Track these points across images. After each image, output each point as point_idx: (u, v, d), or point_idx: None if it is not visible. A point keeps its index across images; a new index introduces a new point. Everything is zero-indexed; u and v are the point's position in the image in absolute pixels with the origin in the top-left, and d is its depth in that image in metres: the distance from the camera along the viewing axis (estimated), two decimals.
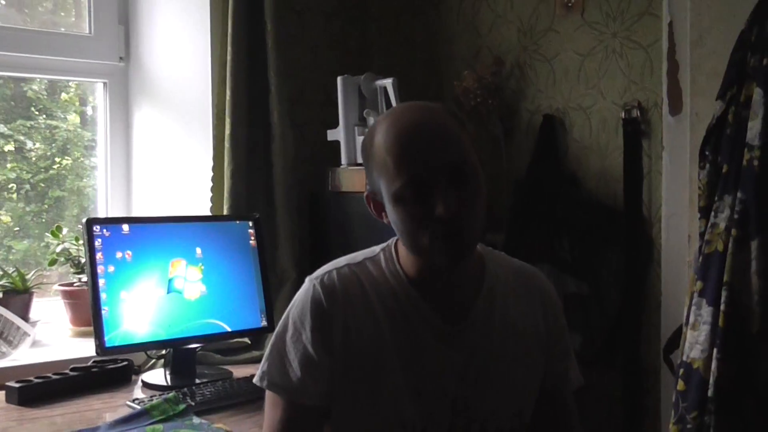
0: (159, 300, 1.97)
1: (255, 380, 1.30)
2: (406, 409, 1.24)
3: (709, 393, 1.70)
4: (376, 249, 1.33)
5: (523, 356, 1.31)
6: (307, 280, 1.30)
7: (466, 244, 1.19)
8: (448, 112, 1.23)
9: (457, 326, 1.26)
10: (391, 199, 1.18)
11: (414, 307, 1.25)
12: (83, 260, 2.24)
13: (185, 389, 1.84)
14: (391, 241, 1.32)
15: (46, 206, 2.61)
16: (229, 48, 2.28)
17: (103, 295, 1.87)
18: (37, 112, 2.61)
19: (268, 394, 1.29)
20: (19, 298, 2.23)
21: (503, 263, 1.37)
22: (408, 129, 1.18)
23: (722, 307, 1.70)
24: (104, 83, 2.60)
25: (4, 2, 2.49)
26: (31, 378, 1.86)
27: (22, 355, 2.07)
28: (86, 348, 2.05)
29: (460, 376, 1.26)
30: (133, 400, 1.80)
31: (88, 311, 1.90)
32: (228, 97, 2.28)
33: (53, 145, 2.63)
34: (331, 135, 2.41)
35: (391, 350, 1.24)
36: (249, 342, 2.28)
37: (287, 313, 1.29)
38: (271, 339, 1.31)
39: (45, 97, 2.64)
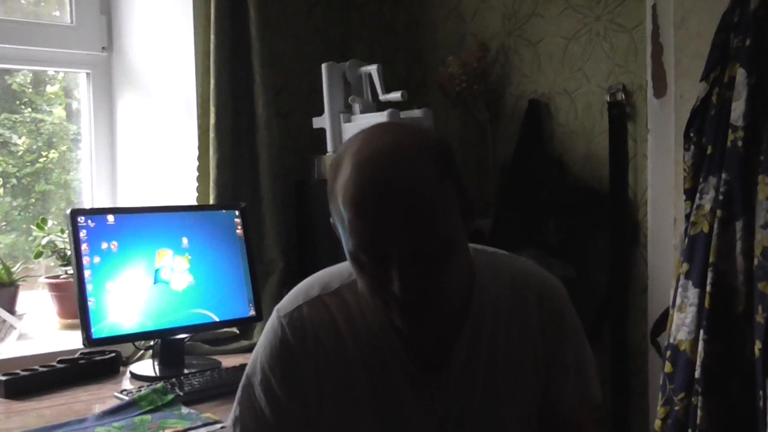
0: (146, 290, 1.96)
1: (227, 424, 1.21)
2: None
3: (696, 374, 1.71)
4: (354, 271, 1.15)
5: (515, 388, 1.18)
6: (275, 314, 1.17)
7: (427, 320, 1.06)
8: (431, 153, 1.02)
9: (437, 372, 1.14)
10: (348, 254, 1.05)
11: (391, 352, 1.13)
12: (69, 252, 2.23)
13: (173, 379, 1.84)
14: None
15: (33, 200, 2.59)
16: (212, 37, 2.26)
17: (89, 287, 1.86)
18: (22, 106, 2.59)
19: None
20: (4, 291, 2.22)
21: (500, 271, 1.20)
22: (370, 184, 0.98)
23: (708, 288, 1.71)
24: (87, 73, 2.58)
25: None
26: (18, 371, 1.85)
27: (8, 349, 2.06)
28: (73, 340, 2.05)
29: (439, 424, 1.15)
30: (121, 391, 1.80)
31: (75, 303, 1.89)
32: (212, 87, 2.26)
33: (39, 138, 2.61)
34: (317, 123, 2.40)
35: (366, 399, 1.14)
36: (237, 332, 2.28)
37: (256, 355, 1.18)
38: (242, 380, 1.20)
39: (30, 90, 2.62)
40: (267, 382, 1.15)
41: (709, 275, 1.71)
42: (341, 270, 1.19)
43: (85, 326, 1.85)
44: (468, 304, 1.16)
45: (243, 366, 1.97)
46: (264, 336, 1.18)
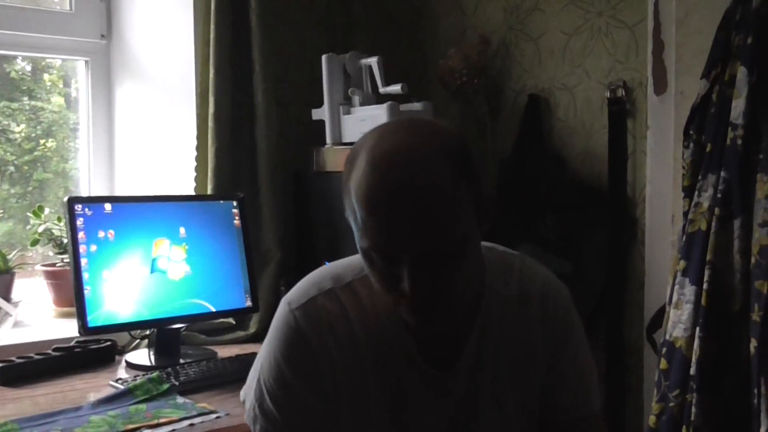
0: (142, 280, 1.96)
1: (245, 420, 1.17)
2: None
3: (691, 371, 1.71)
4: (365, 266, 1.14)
5: (520, 388, 1.19)
6: (285, 306, 1.15)
7: (438, 322, 1.05)
8: (447, 153, 1.00)
9: (447, 370, 1.14)
10: (360, 250, 1.04)
11: (402, 346, 1.13)
12: (66, 240, 2.23)
13: (169, 369, 1.84)
14: None
15: (31, 188, 2.59)
16: (212, 26, 2.25)
17: (85, 275, 1.86)
18: (20, 94, 2.58)
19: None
20: (0, 278, 2.22)
21: (509, 271, 1.20)
22: (384, 183, 0.97)
23: (705, 286, 1.71)
24: (86, 61, 2.57)
25: None
26: (13, 358, 1.85)
27: (3, 336, 2.06)
28: (69, 328, 2.04)
29: (450, 421, 1.16)
30: (117, 380, 1.79)
31: (71, 291, 1.89)
32: (212, 76, 2.25)
33: (38, 127, 2.60)
34: (316, 114, 2.39)
35: (378, 395, 1.13)
36: (233, 322, 2.28)
37: (268, 346, 1.15)
38: (254, 373, 1.17)
39: (29, 78, 2.61)
40: (282, 376, 1.12)
41: (706, 273, 1.71)
42: (353, 263, 1.17)
43: (81, 315, 1.85)
44: (478, 303, 1.16)
45: (239, 357, 1.98)
46: (276, 329, 1.15)
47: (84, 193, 2.59)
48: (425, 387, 1.14)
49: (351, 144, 1.88)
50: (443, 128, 1.06)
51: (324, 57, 2.33)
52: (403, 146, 0.99)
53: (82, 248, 1.87)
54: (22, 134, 2.58)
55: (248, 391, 1.18)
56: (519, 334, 1.18)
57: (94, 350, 1.97)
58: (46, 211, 2.41)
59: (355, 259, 1.14)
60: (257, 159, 2.34)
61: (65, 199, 1.89)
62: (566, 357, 1.20)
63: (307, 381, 1.11)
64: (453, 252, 0.99)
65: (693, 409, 1.70)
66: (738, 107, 1.68)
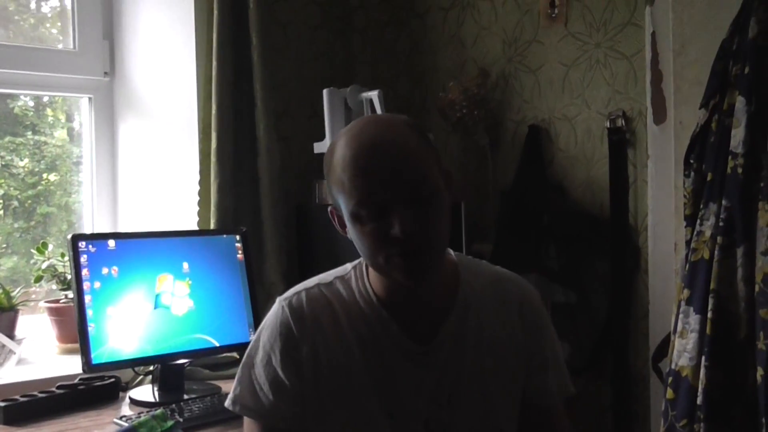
0: (146, 316, 1.95)
1: (227, 404, 1.29)
2: (380, 431, 1.24)
3: (698, 401, 1.70)
4: (347, 266, 1.32)
5: (500, 372, 1.29)
6: (277, 300, 1.30)
7: (425, 262, 1.17)
8: (411, 127, 1.20)
9: (427, 345, 1.25)
10: (349, 217, 1.17)
11: (383, 327, 1.24)
12: (69, 276, 2.23)
13: (173, 405, 1.83)
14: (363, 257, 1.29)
15: (34, 222, 2.60)
16: (214, 62, 2.28)
17: (89, 312, 1.86)
18: (23, 128, 2.60)
19: (245, 418, 1.29)
20: (4, 315, 2.21)
21: (481, 272, 1.34)
22: (364, 147, 1.15)
23: (709, 314, 1.71)
24: (89, 98, 2.59)
25: None
26: (17, 396, 1.84)
27: (7, 374, 2.05)
28: (73, 365, 2.04)
29: (432, 397, 1.25)
30: (121, 417, 1.78)
31: (75, 328, 1.89)
32: (214, 111, 2.27)
33: (42, 161, 2.62)
34: (318, 148, 2.40)
35: (362, 373, 1.24)
36: (237, 356, 2.26)
37: (258, 335, 1.29)
38: (243, 360, 1.30)
39: (32, 113, 2.63)
40: (267, 358, 1.25)
41: (710, 301, 1.71)
42: (336, 270, 1.34)
43: (85, 351, 1.85)
44: (455, 292, 1.28)
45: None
46: (266, 319, 1.30)
47: (87, 227, 2.60)
48: (406, 360, 1.24)
49: None
50: (399, 115, 1.26)
51: (325, 91, 2.35)
52: (373, 122, 1.21)
53: (86, 285, 1.87)
54: (26, 169, 2.59)
55: (234, 382, 1.29)
56: (500, 326, 1.30)
57: (98, 387, 1.96)
58: (50, 247, 2.42)
59: (339, 268, 1.33)
60: (260, 193, 2.35)
61: (69, 236, 1.89)
62: (545, 350, 1.34)
63: (288, 364, 1.24)
64: (429, 198, 1.15)
65: None
66: (737, 136, 1.69)
